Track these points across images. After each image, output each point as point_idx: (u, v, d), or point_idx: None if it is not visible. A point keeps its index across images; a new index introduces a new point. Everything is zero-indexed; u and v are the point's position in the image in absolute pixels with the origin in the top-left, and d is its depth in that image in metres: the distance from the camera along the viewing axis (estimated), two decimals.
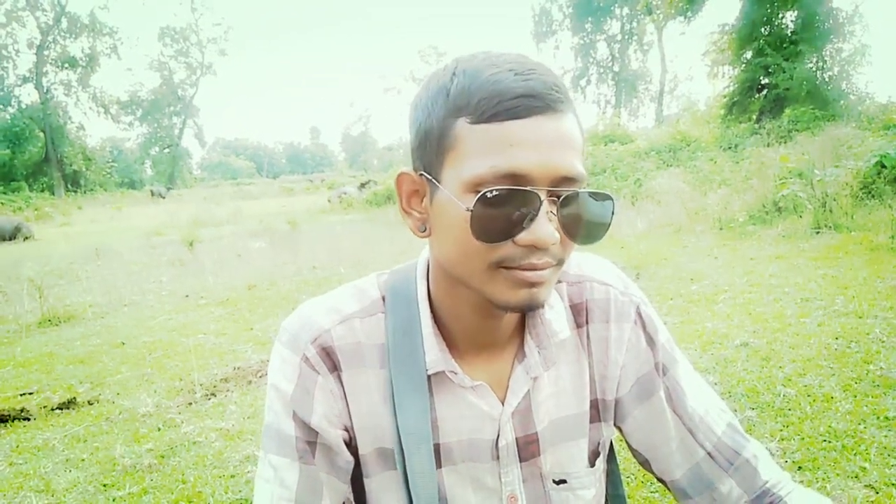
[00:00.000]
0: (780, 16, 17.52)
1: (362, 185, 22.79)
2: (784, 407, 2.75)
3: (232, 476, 2.60)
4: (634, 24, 39.28)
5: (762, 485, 0.81)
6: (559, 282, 0.84)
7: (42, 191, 35.81)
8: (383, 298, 0.80)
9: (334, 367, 0.76)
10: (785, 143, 12.75)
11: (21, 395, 3.93)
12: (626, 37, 40.97)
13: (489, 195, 0.60)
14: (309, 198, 25.96)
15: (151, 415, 3.36)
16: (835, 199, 7.05)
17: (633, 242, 7.76)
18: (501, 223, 0.61)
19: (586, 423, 0.85)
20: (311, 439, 0.76)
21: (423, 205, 0.70)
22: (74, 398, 3.73)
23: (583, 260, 0.87)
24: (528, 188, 0.61)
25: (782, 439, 2.48)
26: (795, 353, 3.34)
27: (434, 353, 0.75)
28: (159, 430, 3.15)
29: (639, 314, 0.85)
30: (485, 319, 0.74)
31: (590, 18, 39.73)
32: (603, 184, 14.43)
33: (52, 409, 3.60)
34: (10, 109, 40.48)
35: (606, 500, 0.92)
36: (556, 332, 0.78)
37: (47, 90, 41.73)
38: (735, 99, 18.18)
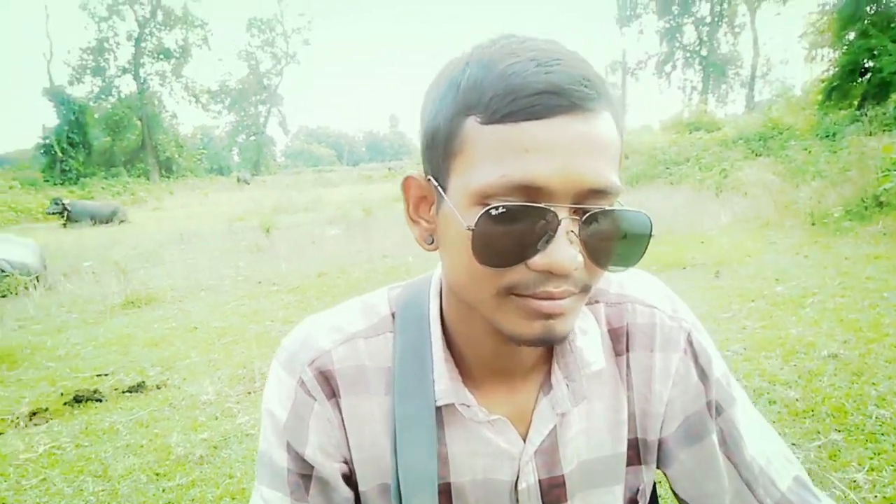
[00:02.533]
0: None
1: None
2: (876, 431, 2.46)
3: None
4: (725, 5, 37.43)
5: None
6: (596, 302, 0.73)
7: (139, 176, 37.93)
8: (393, 316, 0.71)
9: (333, 393, 0.68)
10: (889, 131, 11.76)
11: (97, 375, 4.12)
12: (716, 19, 39.13)
13: (494, 212, 0.51)
14: (386, 185, 26.27)
15: (211, 403, 3.42)
16: None
17: (714, 237, 7.35)
18: (510, 245, 0.52)
19: (622, 466, 0.74)
20: (305, 472, 0.68)
21: (431, 213, 0.61)
22: (144, 382, 3.86)
23: (625, 277, 0.76)
24: (543, 204, 0.51)
25: (872, 469, 2.22)
26: (892, 368, 3.00)
27: (444, 383, 0.66)
28: (216, 419, 3.20)
29: (689, 343, 0.73)
30: (503, 346, 0.64)
31: (677, 1, 38.16)
32: (686, 174, 13.87)
33: (123, 392, 3.74)
34: (111, 99, 43.06)
35: None
36: (589, 362, 0.68)
37: (144, 80, 44.08)
38: (835, 84, 16.94)
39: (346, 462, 0.70)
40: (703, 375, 0.73)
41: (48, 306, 6.51)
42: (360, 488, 0.70)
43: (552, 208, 0.51)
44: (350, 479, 0.70)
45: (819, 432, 2.50)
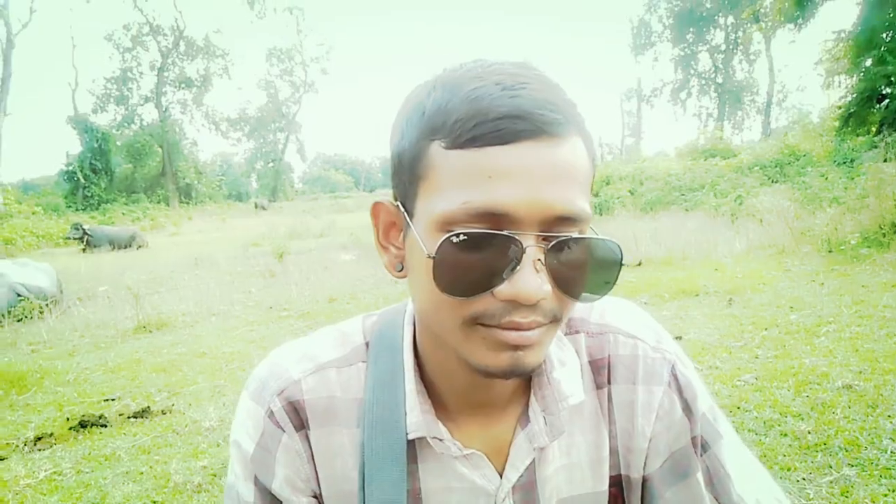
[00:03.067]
0: None
1: None
2: (891, 466, 2.38)
3: None
4: (740, 33, 37.53)
5: None
6: (576, 332, 0.71)
7: (158, 202, 38.49)
8: (367, 345, 0.69)
9: (302, 425, 0.65)
10: None
11: (105, 400, 4.12)
12: (731, 47, 39.27)
13: (456, 239, 0.50)
14: None
15: (214, 429, 3.40)
16: None
17: (729, 264, 7.26)
18: (474, 274, 0.50)
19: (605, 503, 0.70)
20: None
21: (400, 239, 0.60)
22: (149, 407, 3.85)
23: (607, 307, 0.73)
24: (507, 232, 0.49)
25: None
26: None
27: (416, 415, 0.63)
28: (218, 445, 3.18)
29: (673, 375, 0.70)
30: (475, 377, 0.60)
31: (691, 29, 38.50)
32: (701, 200, 13.79)
33: (129, 417, 3.73)
34: (133, 127, 43.97)
35: None
36: (566, 395, 0.65)
37: (166, 109, 45.02)
38: (852, 110, 16.82)
39: (315, 496, 0.67)
40: (688, 410, 0.70)
41: (62, 331, 6.56)
42: None
43: (517, 236, 0.49)
44: None
45: (831, 467, 2.42)
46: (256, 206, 37.06)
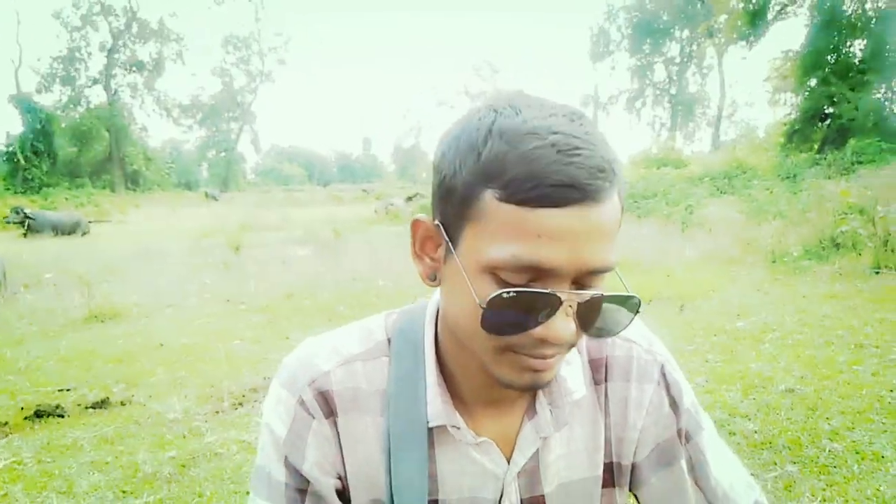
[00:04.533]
0: (848, 44, 16.95)
1: (409, 198, 22.93)
2: (829, 464, 2.57)
3: (247, 493, 2.57)
4: (694, 46, 38.71)
5: None
6: None
7: (104, 188, 37.23)
8: (389, 341, 0.75)
9: (331, 412, 0.72)
10: (847, 175, 12.27)
11: (59, 390, 4.03)
12: (685, 59, 40.44)
13: (506, 296, 0.56)
14: (356, 207, 26.25)
15: (179, 421, 3.38)
16: None
17: (680, 272, 7.53)
18: (515, 319, 0.57)
19: (598, 488, 0.79)
20: (301, 487, 0.72)
21: (437, 253, 0.66)
22: (108, 398, 3.79)
23: None
24: (549, 291, 0.56)
25: (824, 500, 2.32)
26: (845, 404, 3.13)
27: (437, 406, 0.70)
28: (184, 437, 3.17)
29: (663, 375, 0.80)
30: (492, 377, 0.68)
31: (648, 40, 39.43)
32: (653, 208, 14.16)
33: (86, 408, 3.67)
34: (80, 109, 42.33)
35: None
36: (571, 390, 0.73)
37: (115, 92, 43.52)
38: (796, 127, 17.63)
39: (340, 478, 0.73)
40: (675, 405, 0.79)
41: (7, 318, 6.33)
42: (353, 503, 0.74)
43: (557, 293, 0.56)
44: (343, 495, 0.74)
45: (776, 463, 2.60)
46: (207, 196, 36.12)
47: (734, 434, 2.88)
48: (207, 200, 34.75)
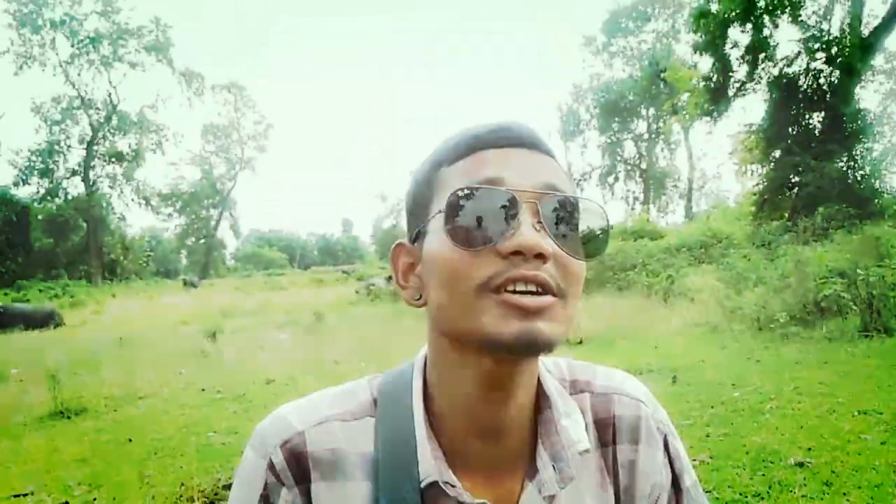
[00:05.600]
0: (807, 116, 17.62)
1: (389, 278, 22.86)
2: None
3: None
4: (661, 123, 40.13)
5: None
6: (581, 392, 0.74)
7: (81, 278, 36.64)
8: (375, 402, 0.70)
9: (304, 478, 0.64)
10: (821, 240, 12.46)
11: (15, 496, 3.71)
12: (653, 136, 41.84)
13: (461, 193, 0.58)
14: (338, 289, 26.03)
15: None
16: (882, 301, 6.68)
17: (667, 342, 7.43)
18: (481, 224, 0.57)
19: None
20: None
21: (416, 273, 0.65)
22: (67, 502, 3.49)
23: (611, 372, 0.78)
24: (503, 188, 0.58)
25: None
26: (861, 477, 2.97)
27: (427, 462, 0.63)
28: None
29: (665, 447, 0.75)
30: (487, 403, 0.64)
31: (616, 118, 40.88)
32: (634, 280, 14.22)
33: None
34: (57, 200, 42.16)
35: None
36: (574, 440, 0.67)
37: (93, 183, 43.55)
38: (765, 196, 18.07)
39: None
40: (676, 483, 0.74)
41: None
42: None
43: (512, 191, 0.57)
44: None
45: None
46: (186, 284, 35.69)
47: None
48: (186, 288, 34.32)
